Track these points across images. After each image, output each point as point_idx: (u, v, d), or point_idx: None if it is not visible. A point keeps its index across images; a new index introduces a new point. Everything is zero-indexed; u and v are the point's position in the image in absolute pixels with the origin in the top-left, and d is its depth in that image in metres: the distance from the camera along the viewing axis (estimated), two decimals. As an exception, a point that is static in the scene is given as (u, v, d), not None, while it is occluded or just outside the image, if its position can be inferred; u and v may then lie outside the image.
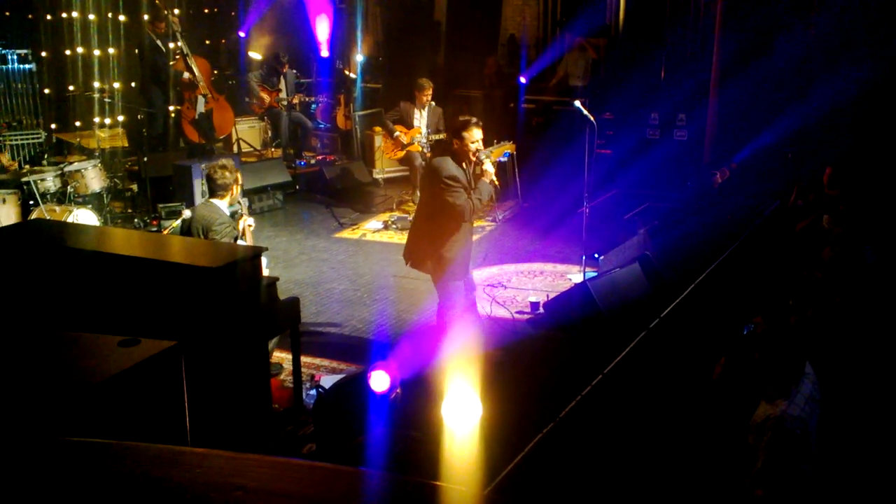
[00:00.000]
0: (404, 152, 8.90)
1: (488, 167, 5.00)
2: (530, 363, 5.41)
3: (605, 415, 4.43)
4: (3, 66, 9.72)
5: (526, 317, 6.13)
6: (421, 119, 8.83)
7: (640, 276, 6.02)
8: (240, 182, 5.26)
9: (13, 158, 8.13)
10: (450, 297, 5.17)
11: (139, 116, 8.95)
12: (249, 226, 5.34)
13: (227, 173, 5.10)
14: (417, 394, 4.58)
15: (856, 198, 5.65)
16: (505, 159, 8.99)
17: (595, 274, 6.33)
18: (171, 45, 9.43)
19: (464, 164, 5.03)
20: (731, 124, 9.07)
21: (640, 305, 5.74)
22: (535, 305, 6.17)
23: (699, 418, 4.22)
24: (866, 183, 5.99)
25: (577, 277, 6.57)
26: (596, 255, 6.78)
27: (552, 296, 6.18)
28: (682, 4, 10.06)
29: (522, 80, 10.66)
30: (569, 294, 5.98)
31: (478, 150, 5.00)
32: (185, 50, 9.24)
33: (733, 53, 9.09)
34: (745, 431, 3.45)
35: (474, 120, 5.04)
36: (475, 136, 4.95)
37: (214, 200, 5.13)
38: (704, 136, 9.31)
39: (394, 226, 8.38)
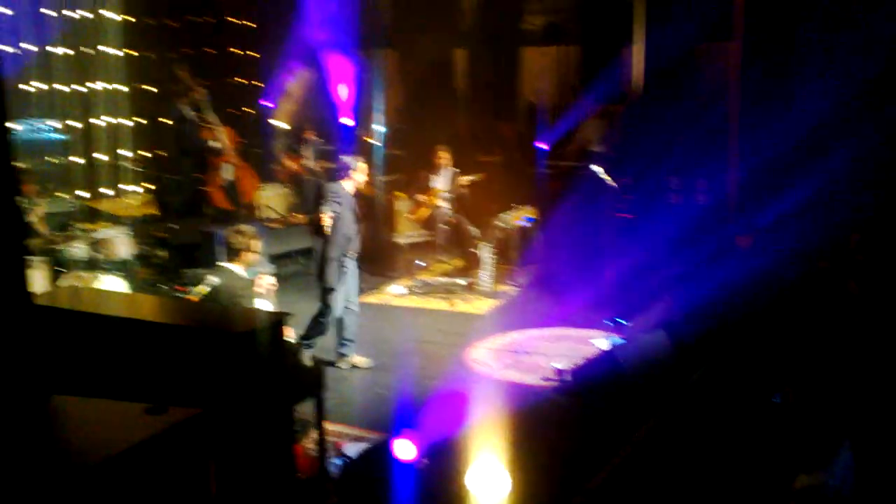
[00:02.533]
0: (429, 212, 8.99)
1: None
2: (557, 430, 5.32)
3: (636, 485, 4.32)
4: (37, 137, 10.01)
5: (551, 383, 6.05)
6: (439, 181, 8.99)
7: (667, 343, 5.94)
8: (254, 248, 5.39)
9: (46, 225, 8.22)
10: (327, 301, 6.26)
11: (168, 184, 9.16)
12: (273, 285, 5.41)
13: (239, 238, 5.32)
14: (443, 463, 4.50)
15: (883, 264, 5.60)
16: (526, 223, 9.06)
17: (620, 340, 6.26)
18: (199, 115, 9.69)
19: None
20: (754, 187, 9.06)
21: (667, 372, 5.65)
22: (560, 372, 6.09)
23: (731, 488, 4.10)
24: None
25: (603, 343, 6.50)
26: (620, 321, 6.72)
27: (578, 362, 6.11)
28: (698, 70, 10.21)
29: (542, 145, 10.79)
30: (595, 360, 5.91)
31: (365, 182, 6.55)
32: (213, 120, 9.49)
33: (753, 117, 9.16)
34: (781, 502, 3.35)
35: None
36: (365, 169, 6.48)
37: (229, 265, 5.31)
38: (726, 199, 9.30)
39: (416, 290, 8.39)
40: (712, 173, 9.56)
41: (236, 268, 5.30)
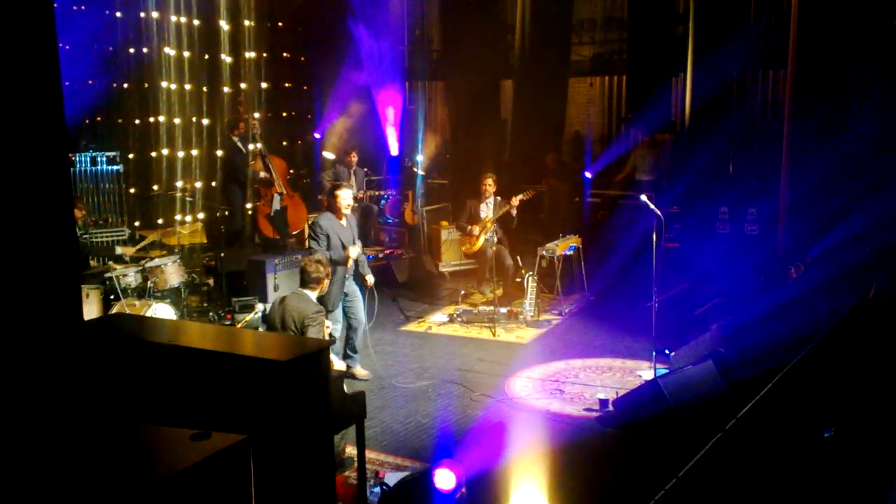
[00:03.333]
0: (480, 243, 9.01)
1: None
2: (599, 463, 5.24)
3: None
4: (94, 168, 10.39)
5: (595, 414, 5.97)
6: (487, 210, 9.01)
7: (714, 374, 5.82)
8: (330, 278, 5.75)
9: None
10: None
11: (217, 214, 9.36)
12: (327, 327, 5.56)
13: (320, 267, 5.57)
14: (483, 493, 4.47)
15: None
16: (571, 252, 9.01)
17: (666, 371, 6.16)
18: (251, 146, 9.95)
19: (343, 220, 6.69)
20: (805, 217, 8.89)
21: (714, 405, 5.53)
22: (604, 402, 6.01)
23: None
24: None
25: (648, 374, 6.40)
26: (667, 351, 6.61)
27: (621, 393, 6.02)
28: (748, 98, 10.10)
29: (588, 174, 10.77)
30: (639, 391, 5.82)
31: (348, 206, 6.73)
32: (264, 150, 9.73)
33: (803, 145, 9.01)
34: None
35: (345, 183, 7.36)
36: (345, 195, 6.71)
37: (305, 290, 5.52)
38: (776, 229, 9.14)
39: (459, 318, 8.39)
40: (762, 203, 9.41)
41: (312, 294, 5.53)
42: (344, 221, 6.73)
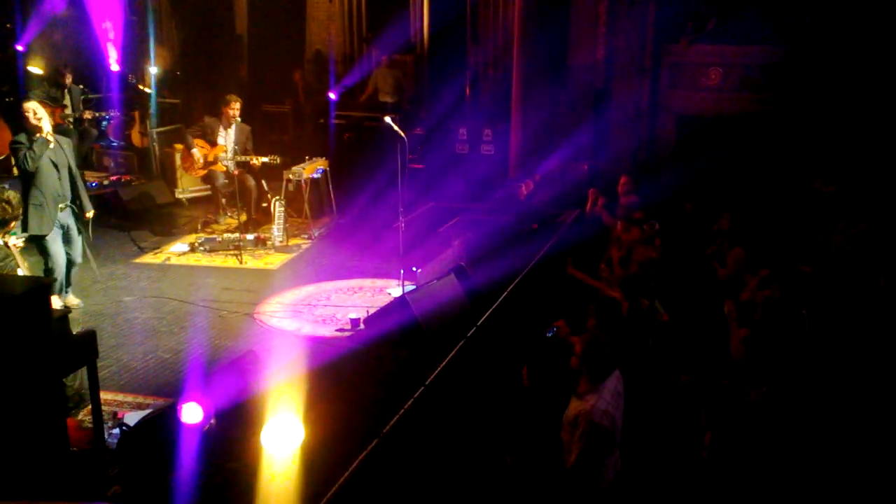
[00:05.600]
0: (206, 171, 8.45)
1: None
2: (353, 381, 5.31)
3: (430, 427, 4.44)
4: None
5: (347, 334, 6.03)
6: (227, 137, 8.42)
7: (457, 287, 6.13)
8: (20, 216, 5.17)
9: None
10: (45, 249, 6.00)
11: None
12: (16, 245, 4.92)
13: (8, 208, 4.89)
14: (235, 423, 4.34)
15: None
16: (318, 175, 8.85)
17: (413, 287, 6.36)
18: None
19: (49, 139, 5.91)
20: (534, 139, 9.55)
21: (458, 315, 5.84)
22: (355, 322, 6.08)
23: (518, 420, 4.35)
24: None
25: (396, 291, 6.57)
26: (414, 269, 6.82)
27: (372, 311, 6.13)
28: (482, 25, 10.47)
29: (332, 95, 10.58)
30: (388, 308, 5.96)
31: (38, 119, 5.87)
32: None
33: (532, 72, 9.59)
34: (558, 428, 3.59)
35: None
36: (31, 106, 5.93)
37: None
38: (509, 150, 9.73)
39: (201, 248, 7.93)
40: (496, 125, 9.94)
41: None
42: (51, 140, 5.91)
